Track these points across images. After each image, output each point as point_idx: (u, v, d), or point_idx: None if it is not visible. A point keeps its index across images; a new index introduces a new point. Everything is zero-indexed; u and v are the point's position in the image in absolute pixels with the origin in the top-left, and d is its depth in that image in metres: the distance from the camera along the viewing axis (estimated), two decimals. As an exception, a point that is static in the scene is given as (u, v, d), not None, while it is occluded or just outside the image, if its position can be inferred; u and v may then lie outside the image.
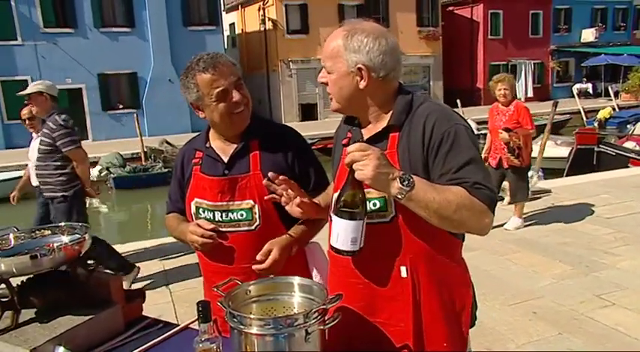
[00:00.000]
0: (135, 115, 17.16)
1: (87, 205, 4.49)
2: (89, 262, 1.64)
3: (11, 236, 1.66)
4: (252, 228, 1.73)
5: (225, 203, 1.73)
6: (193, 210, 1.79)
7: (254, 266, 1.66)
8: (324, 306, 1.29)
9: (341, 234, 1.32)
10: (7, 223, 1.98)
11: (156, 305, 3.59)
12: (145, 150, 15.45)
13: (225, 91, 1.66)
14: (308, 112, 24.62)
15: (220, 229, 1.73)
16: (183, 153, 1.90)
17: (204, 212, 1.77)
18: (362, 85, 1.44)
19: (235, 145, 1.77)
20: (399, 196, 1.26)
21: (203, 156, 1.80)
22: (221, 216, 1.74)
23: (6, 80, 19.30)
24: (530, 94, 27.68)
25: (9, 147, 19.23)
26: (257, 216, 1.72)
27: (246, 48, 26.62)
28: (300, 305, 1.43)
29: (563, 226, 5.49)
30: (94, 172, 14.45)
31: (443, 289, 1.46)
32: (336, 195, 1.38)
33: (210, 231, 1.70)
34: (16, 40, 19.33)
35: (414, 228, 1.39)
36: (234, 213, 1.73)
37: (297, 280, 1.46)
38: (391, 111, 1.46)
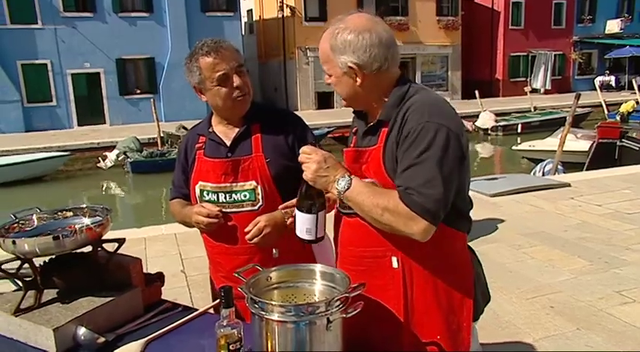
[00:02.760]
0: (152, 100, 17.27)
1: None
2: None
3: (34, 217, 1.67)
4: (255, 208, 1.78)
5: (228, 184, 1.78)
6: (197, 193, 1.84)
7: (247, 237, 1.71)
8: (347, 295, 1.27)
9: (298, 224, 1.47)
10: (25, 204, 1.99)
11: (172, 288, 3.62)
12: (162, 135, 15.55)
13: (226, 75, 1.71)
14: (324, 100, 24.52)
15: (224, 210, 1.77)
16: (187, 139, 1.94)
17: (208, 194, 1.81)
18: (358, 82, 1.44)
19: (237, 129, 1.82)
20: (337, 195, 1.39)
21: (206, 140, 1.85)
22: (225, 198, 1.78)
23: (26, 63, 19.53)
24: (548, 86, 27.23)
25: (29, 129, 19.52)
26: (260, 196, 1.77)
27: (264, 35, 26.53)
28: (321, 293, 1.42)
29: (583, 221, 5.41)
30: (112, 156, 14.62)
31: (438, 280, 1.45)
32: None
33: (214, 212, 1.75)
34: (37, 23, 19.50)
35: None
36: (238, 194, 1.77)
37: (318, 267, 1.45)
38: (385, 104, 1.46)
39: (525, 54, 28.15)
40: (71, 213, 1.72)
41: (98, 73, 20.69)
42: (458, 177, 1.37)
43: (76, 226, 1.66)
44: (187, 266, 4.44)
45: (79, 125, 20.34)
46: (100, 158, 15.02)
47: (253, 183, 1.77)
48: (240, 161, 1.77)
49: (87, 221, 1.70)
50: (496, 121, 19.92)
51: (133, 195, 14.20)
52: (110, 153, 14.91)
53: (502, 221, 5.46)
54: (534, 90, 25.90)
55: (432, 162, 1.31)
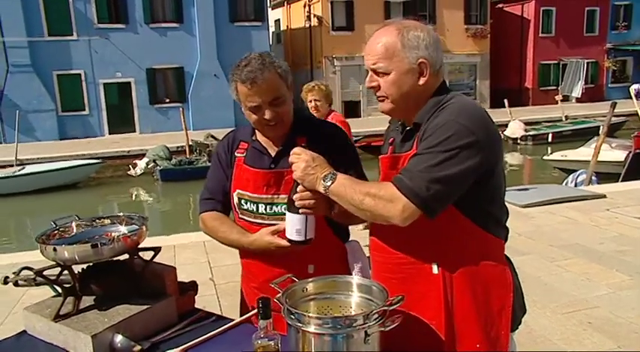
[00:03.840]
0: (181, 109, 17.58)
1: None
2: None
3: (73, 224, 1.70)
4: None
5: (270, 196, 1.75)
6: (236, 200, 1.81)
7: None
8: (386, 308, 1.25)
9: (288, 225, 1.52)
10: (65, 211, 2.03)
11: (201, 296, 3.63)
12: (191, 143, 15.77)
13: (258, 107, 1.67)
14: (351, 109, 24.51)
15: (263, 221, 1.75)
16: (227, 143, 1.88)
17: (246, 203, 1.78)
18: (422, 80, 1.43)
19: (280, 140, 1.78)
20: (324, 191, 1.42)
21: (248, 147, 1.81)
22: (265, 209, 1.75)
23: (62, 74, 20.13)
24: (578, 95, 26.58)
25: (63, 138, 20.07)
26: None
27: (291, 44, 26.75)
28: (357, 306, 1.40)
29: (620, 233, 5.23)
30: (142, 164, 14.90)
31: (477, 288, 1.43)
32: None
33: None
34: (72, 35, 20.11)
35: (445, 225, 1.39)
36: (279, 207, 1.73)
37: (355, 279, 1.44)
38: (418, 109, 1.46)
39: (556, 62, 27.64)
40: (109, 221, 1.74)
41: (129, 83, 21.17)
42: (462, 187, 1.34)
43: (114, 234, 1.68)
44: (216, 275, 4.47)
45: (110, 133, 20.83)
46: (130, 166, 15.32)
47: None
48: (284, 173, 1.73)
49: (124, 229, 1.72)
50: (525, 131, 19.56)
51: (162, 202, 14.41)
52: (140, 161, 15.19)
53: (535, 232, 5.34)
54: (565, 99, 25.37)
55: (441, 156, 1.31)
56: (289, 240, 1.51)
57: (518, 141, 19.45)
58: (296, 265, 1.68)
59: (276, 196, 1.74)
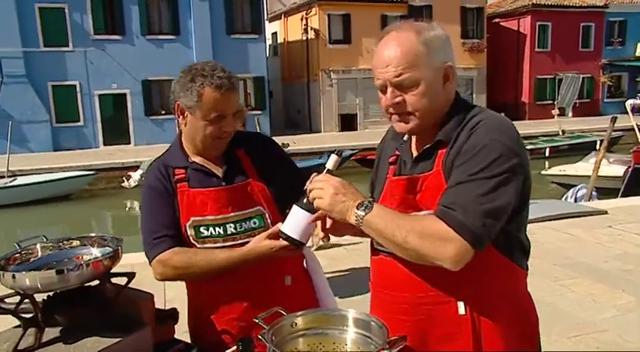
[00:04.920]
0: (176, 121, 17.42)
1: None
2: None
3: (38, 246, 1.53)
4: None
5: (234, 214, 1.60)
6: (191, 232, 1.59)
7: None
8: (386, 350, 1.09)
9: (291, 220, 1.35)
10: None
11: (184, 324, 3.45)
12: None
13: (222, 118, 1.56)
14: (348, 123, 24.47)
15: (236, 241, 1.59)
16: (158, 173, 1.64)
17: (208, 229, 1.59)
18: (446, 87, 1.28)
19: (218, 158, 1.66)
20: (356, 223, 1.21)
21: (187, 172, 1.63)
22: (235, 228, 1.61)
23: (56, 84, 19.99)
24: (572, 109, 26.58)
25: (57, 149, 19.88)
26: (269, 222, 1.63)
27: (288, 57, 26.76)
28: (353, 343, 1.24)
29: (624, 251, 5.09)
30: (136, 176, 14.70)
31: (509, 327, 1.28)
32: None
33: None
34: (68, 46, 19.99)
35: (477, 259, 1.18)
36: (248, 222, 1.61)
37: (351, 313, 1.27)
38: (442, 123, 1.28)
39: (552, 77, 27.72)
40: (78, 243, 1.57)
41: (124, 94, 21.03)
42: (508, 215, 1.18)
43: (84, 258, 1.52)
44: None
45: (104, 145, 20.64)
46: (124, 178, 15.12)
47: (260, 208, 1.63)
48: (240, 187, 1.62)
49: (95, 252, 1.56)
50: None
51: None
52: (134, 172, 14.98)
53: (536, 250, 5.17)
54: (562, 113, 25.39)
55: (490, 183, 1.14)
56: (287, 238, 1.36)
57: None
58: (273, 277, 1.59)
59: (240, 212, 1.61)
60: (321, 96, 24.27)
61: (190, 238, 1.60)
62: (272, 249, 1.50)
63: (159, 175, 1.64)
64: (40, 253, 1.52)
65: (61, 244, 1.56)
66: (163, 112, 21.41)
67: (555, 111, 22.20)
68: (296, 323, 1.25)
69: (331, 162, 1.31)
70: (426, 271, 1.23)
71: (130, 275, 1.50)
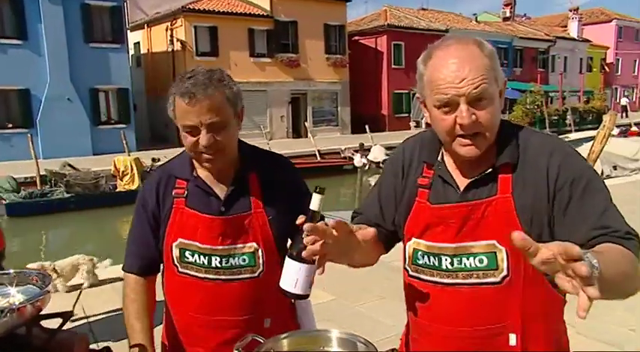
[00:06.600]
0: (28, 136, 15.75)
1: None
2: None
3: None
4: (255, 275, 1.50)
5: (226, 247, 1.48)
6: (176, 253, 1.50)
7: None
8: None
9: (290, 274, 1.16)
10: None
11: None
12: (44, 173, 14.15)
13: (194, 129, 1.39)
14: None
15: (216, 276, 1.48)
16: (158, 181, 1.55)
17: (193, 255, 1.48)
18: (501, 105, 1.19)
19: (227, 176, 1.50)
20: (588, 274, 0.84)
21: (188, 186, 1.51)
22: (220, 262, 1.48)
23: None
24: (427, 121, 29.29)
25: None
26: (260, 261, 1.49)
27: (152, 68, 25.64)
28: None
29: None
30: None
31: None
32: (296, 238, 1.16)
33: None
34: None
35: (530, 289, 1.18)
36: (236, 259, 1.48)
37: (335, 334, 1.25)
38: (493, 145, 1.20)
39: (407, 91, 30.20)
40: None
41: (-40, 105, 18.48)
42: None
43: (7, 301, 1.40)
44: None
45: None
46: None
47: (254, 245, 1.49)
48: (240, 219, 1.47)
49: (17, 295, 1.43)
50: (386, 155, 21.00)
51: (10, 241, 12.62)
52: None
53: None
54: (418, 125, 27.81)
55: (607, 194, 1.17)
56: (284, 292, 1.17)
57: (381, 164, 20.79)
58: (251, 319, 1.50)
59: (232, 247, 1.48)
60: (190, 109, 23.59)
61: (175, 259, 1.51)
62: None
63: (155, 185, 1.55)
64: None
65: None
66: (11, 126, 19.15)
67: (413, 123, 24.27)
68: (279, 346, 1.24)
69: (315, 202, 1.15)
70: (489, 304, 1.21)
71: (66, 316, 1.42)
